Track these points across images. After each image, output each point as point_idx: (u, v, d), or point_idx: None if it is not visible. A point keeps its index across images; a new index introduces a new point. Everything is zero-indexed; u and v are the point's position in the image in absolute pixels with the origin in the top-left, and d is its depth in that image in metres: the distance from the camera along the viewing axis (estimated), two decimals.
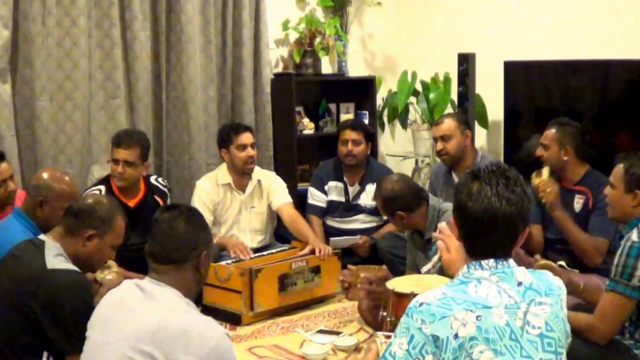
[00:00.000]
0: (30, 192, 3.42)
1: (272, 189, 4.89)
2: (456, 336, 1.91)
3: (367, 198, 5.20)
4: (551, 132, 4.21)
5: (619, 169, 3.16)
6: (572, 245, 4.08)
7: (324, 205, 5.30)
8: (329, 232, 5.19)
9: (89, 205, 2.90)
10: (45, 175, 3.47)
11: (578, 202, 4.16)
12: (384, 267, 3.90)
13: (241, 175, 4.81)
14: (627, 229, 3.05)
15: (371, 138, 5.41)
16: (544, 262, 3.48)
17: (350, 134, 5.16)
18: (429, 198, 4.07)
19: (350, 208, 5.26)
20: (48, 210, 3.35)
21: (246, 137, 4.76)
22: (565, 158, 4.15)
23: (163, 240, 2.36)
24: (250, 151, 4.75)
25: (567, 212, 4.10)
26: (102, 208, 2.88)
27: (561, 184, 4.24)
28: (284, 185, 4.94)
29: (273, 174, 5.10)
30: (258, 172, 4.89)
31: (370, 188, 5.14)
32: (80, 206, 2.91)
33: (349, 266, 4.46)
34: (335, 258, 4.57)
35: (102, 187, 4.37)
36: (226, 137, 4.78)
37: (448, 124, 4.68)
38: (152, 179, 4.61)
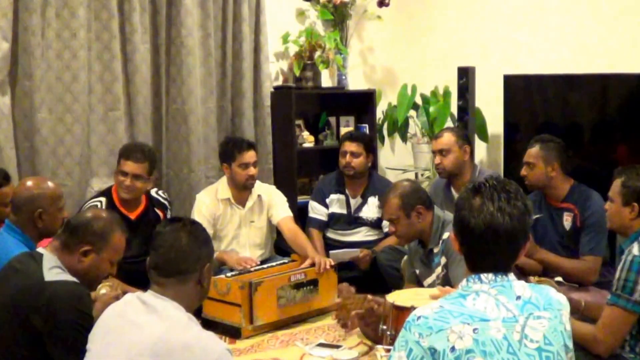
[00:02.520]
0: (23, 207, 3.35)
1: (272, 202, 4.87)
2: (453, 349, 1.90)
3: (369, 211, 5.19)
4: (535, 149, 4.19)
5: (617, 182, 3.18)
6: (563, 275, 4.08)
7: (324, 218, 5.28)
8: (330, 245, 5.17)
9: (85, 220, 2.86)
10: (29, 185, 3.43)
11: (567, 220, 4.16)
12: (369, 296, 3.88)
13: (241, 190, 4.79)
14: (627, 243, 3.06)
15: (372, 150, 5.37)
16: (540, 279, 3.48)
17: (349, 146, 5.15)
18: (434, 208, 4.07)
19: (351, 221, 5.24)
20: (48, 218, 3.34)
21: (249, 156, 4.72)
22: (552, 175, 4.14)
23: (166, 253, 2.34)
24: (252, 170, 4.73)
25: (543, 250, 4.11)
26: (98, 223, 2.84)
27: (548, 203, 4.23)
28: (284, 199, 4.93)
29: (273, 187, 5.08)
30: (258, 187, 4.87)
31: (372, 201, 5.13)
32: (77, 221, 2.87)
33: (337, 301, 4.27)
34: (331, 271, 4.56)
35: (103, 199, 4.37)
36: (229, 153, 4.75)
37: (447, 138, 4.68)
38: (153, 192, 4.61)
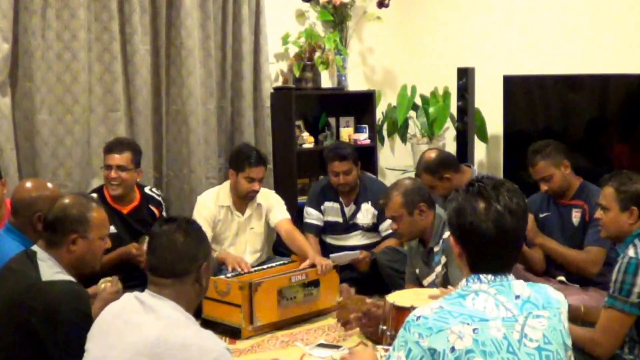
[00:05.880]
0: (21, 210, 3.34)
1: (270, 205, 4.87)
2: (453, 349, 1.90)
3: (363, 217, 5.17)
4: (540, 162, 4.15)
5: (608, 190, 3.15)
6: (564, 265, 4.10)
7: (319, 223, 5.26)
8: (328, 249, 5.15)
9: (60, 212, 2.82)
10: (28, 188, 3.42)
11: (576, 216, 4.16)
12: (370, 300, 3.89)
13: (242, 199, 4.79)
14: (622, 247, 3.05)
15: (358, 159, 5.17)
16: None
17: (339, 166, 5.04)
18: (436, 207, 4.07)
19: (348, 227, 5.23)
20: None
21: (257, 172, 4.68)
22: (567, 172, 4.15)
23: (162, 253, 2.34)
24: (256, 185, 4.69)
25: (546, 236, 4.14)
26: (72, 209, 2.81)
27: (556, 201, 4.24)
28: (282, 201, 4.92)
29: (272, 192, 5.07)
30: (258, 194, 4.84)
31: (366, 207, 5.13)
32: (53, 216, 2.82)
33: (338, 300, 4.31)
34: (333, 271, 4.55)
35: (94, 195, 4.37)
36: (239, 162, 4.70)
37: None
38: (147, 189, 4.62)
